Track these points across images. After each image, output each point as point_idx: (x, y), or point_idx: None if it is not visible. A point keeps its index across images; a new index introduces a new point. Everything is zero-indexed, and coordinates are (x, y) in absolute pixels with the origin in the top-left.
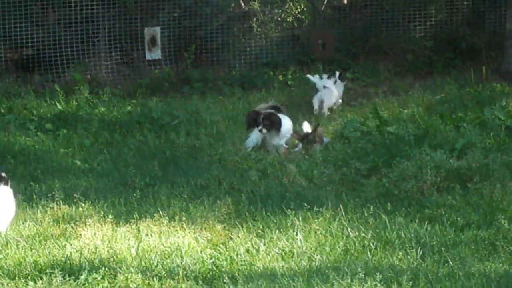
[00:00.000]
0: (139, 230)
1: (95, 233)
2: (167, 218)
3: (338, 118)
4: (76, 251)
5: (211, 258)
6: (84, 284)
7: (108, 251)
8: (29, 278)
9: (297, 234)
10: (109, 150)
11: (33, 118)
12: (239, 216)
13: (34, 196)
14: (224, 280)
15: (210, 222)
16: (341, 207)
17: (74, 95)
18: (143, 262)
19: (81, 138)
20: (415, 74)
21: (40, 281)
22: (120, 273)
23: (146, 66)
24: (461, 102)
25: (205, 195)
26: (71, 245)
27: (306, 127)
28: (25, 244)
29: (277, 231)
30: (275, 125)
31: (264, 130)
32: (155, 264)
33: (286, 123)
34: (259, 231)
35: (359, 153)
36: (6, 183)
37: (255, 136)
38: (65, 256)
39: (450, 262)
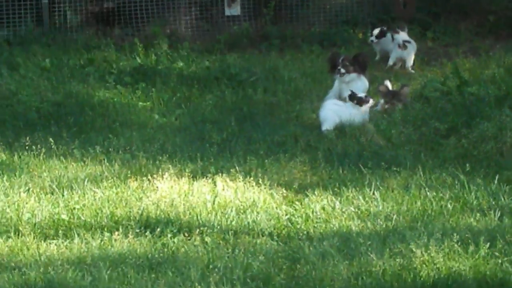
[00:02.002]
0: (215, 185)
1: (172, 186)
2: (243, 173)
3: (418, 77)
4: (153, 204)
5: (286, 215)
6: (160, 237)
7: (184, 205)
8: (105, 229)
9: (374, 193)
10: (187, 105)
11: (112, 71)
12: (315, 173)
13: (112, 148)
14: (299, 237)
15: (286, 179)
16: (419, 167)
17: (153, 49)
18: (218, 217)
19: (160, 92)
20: (497, 35)
21: (116, 233)
22: (196, 227)
23: (225, 22)
24: None
25: (281, 152)
26: (148, 198)
27: (388, 85)
28: (102, 195)
29: (353, 189)
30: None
31: (343, 70)
32: (231, 219)
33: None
34: (335, 189)
35: (438, 113)
36: None
37: (333, 94)
38: (142, 208)
39: None
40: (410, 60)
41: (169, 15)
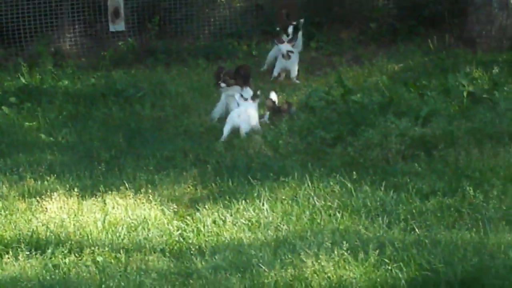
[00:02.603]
0: (105, 203)
1: (61, 206)
2: (133, 190)
3: (302, 87)
4: (42, 225)
5: (178, 230)
6: (50, 258)
7: (74, 225)
8: None
9: (263, 205)
10: (74, 123)
11: None
12: (205, 187)
13: None
14: (191, 252)
15: (177, 194)
16: (307, 176)
17: (38, 68)
18: (109, 235)
19: (46, 111)
20: (379, 42)
21: (6, 256)
22: (86, 246)
23: (109, 38)
24: (424, 70)
25: (171, 167)
26: (37, 219)
27: (273, 97)
28: None
29: (243, 201)
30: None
31: (223, 85)
32: (122, 237)
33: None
34: (226, 202)
35: (324, 122)
36: None
37: (220, 107)
38: (31, 230)
39: (417, 230)
40: (295, 71)
41: (52, 33)
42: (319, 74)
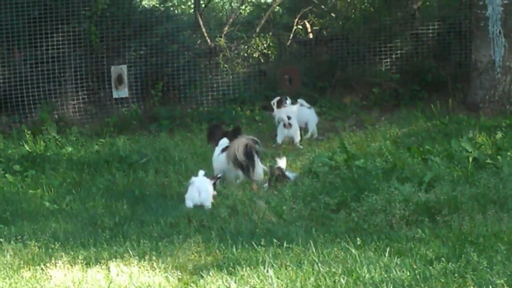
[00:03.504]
0: (109, 271)
1: (66, 274)
2: (137, 257)
3: (306, 153)
4: None
5: None
6: None
7: None
8: None
9: (267, 271)
10: (78, 190)
11: (1, 160)
12: (209, 254)
13: (3, 238)
14: None
15: (181, 260)
16: (311, 242)
17: (42, 135)
18: None
19: (50, 178)
20: (382, 107)
21: None
22: None
23: (113, 105)
24: (428, 135)
25: (175, 234)
26: (41, 287)
27: (282, 163)
28: None
29: (247, 268)
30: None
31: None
32: None
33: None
34: (230, 268)
35: (327, 188)
36: None
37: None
38: None
39: None
40: (297, 136)
41: (56, 100)
42: (322, 139)
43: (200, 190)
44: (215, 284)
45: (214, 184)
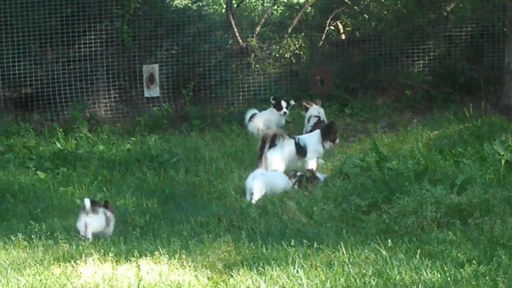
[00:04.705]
0: (139, 268)
1: (96, 271)
2: (167, 256)
3: (337, 154)
4: None
5: None
6: None
7: None
8: None
9: (297, 271)
10: (109, 188)
11: (32, 157)
12: (239, 253)
13: (34, 235)
14: None
15: (210, 259)
16: (342, 243)
17: (73, 133)
18: None
19: (81, 176)
20: (414, 109)
21: None
22: None
23: (144, 104)
24: (460, 137)
25: (205, 233)
26: (71, 283)
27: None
28: (26, 283)
29: (277, 268)
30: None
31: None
32: None
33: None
34: (260, 268)
35: (358, 189)
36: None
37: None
38: None
39: None
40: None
41: (88, 98)
42: (353, 141)
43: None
44: (245, 283)
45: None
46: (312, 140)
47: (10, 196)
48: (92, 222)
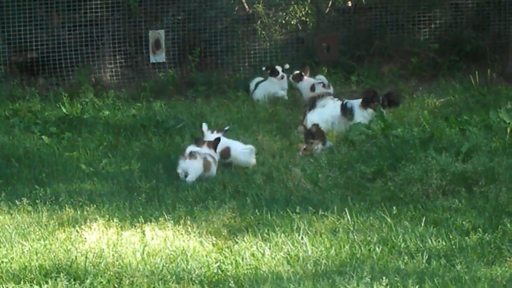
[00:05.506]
0: (144, 234)
1: (100, 237)
2: (172, 221)
3: None
4: (82, 255)
5: (216, 262)
6: None
7: (113, 255)
8: (34, 282)
9: (302, 238)
10: (114, 154)
11: (38, 122)
12: (244, 220)
13: (39, 200)
14: (230, 284)
15: (215, 225)
16: (347, 210)
17: (79, 98)
18: (148, 266)
19: (86, 141)
20: (420, 77)
21: (46, 285)
22: (125, 277)
23: (150, 69)
24: (466, 105)
25: (210, 199)
26: (76, 249)
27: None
28: (30, 248)
29: (282, 235)
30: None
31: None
32: (161, 268)
33: None
34: (265, 235)
35: (364, 157)
36: None
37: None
38: (71, 260)
39: (456, 266)
40: None
41: (93, 63)
42: None
43: None
44: (250, 250)
45: None
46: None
47: (15, 160)
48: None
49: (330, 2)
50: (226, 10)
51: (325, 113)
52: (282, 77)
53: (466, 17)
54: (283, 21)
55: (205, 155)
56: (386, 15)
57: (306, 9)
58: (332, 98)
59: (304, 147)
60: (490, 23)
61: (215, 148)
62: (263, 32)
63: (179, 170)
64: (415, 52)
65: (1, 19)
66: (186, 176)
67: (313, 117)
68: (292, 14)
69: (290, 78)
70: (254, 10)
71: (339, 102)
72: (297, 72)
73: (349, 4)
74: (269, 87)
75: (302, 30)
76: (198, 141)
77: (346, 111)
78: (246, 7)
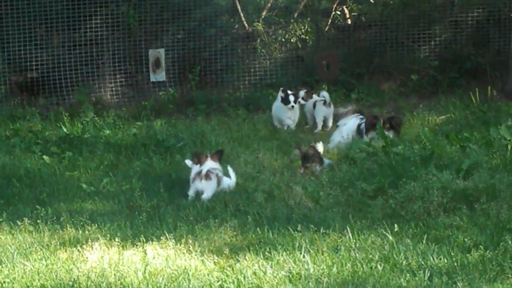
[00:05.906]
0: (145, 253)
1: (102, 256)
2: (173, 240)
3: None
4: (83, 275)
5: (218, 281)
6: None
7: (115, 275)
8: None
9: (304, 256)
10: (115, 173)
11: (38, 141)
12: (245, 238)
13: (40, 220)
14: None
15: (217, 244)
16: (348, 228)
17: (79, 118)
18: (150, 286)
19: (87, 160)
20: (420, 94)
21: None
22: None
23: (150, 88)
24: (466, 122)
25: (211, 218)
26: (78, 268)
27: (320, 147)
28: (32, 268)
29: (284, 253)
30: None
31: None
32: (162, 287)
33: None
34: (266, 253)
35: (365, 174)
36: None
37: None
38: (72, 280)
39: (458, 284)
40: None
41: (94, 82)
42: None
43: None
44: (251, 268)
45: None
46: None
47: (16, 180)
48: (207, 187)
49: (330, 20)
50: (225, 28)
51: (344, 131)
52: (292, 107)
53: (466, 34)
54: (283, 39)
55: (216, 170)
56: (385, 33)
57: (306, 27)
58: (357, 115)
59: (301, 171)
60: (490, 40)
61: (219, 160)
62: (263, 50)
63: (192, 191)
64: (415, 70)
65: (1, 39)
66: (200, 194)
67: (335, 137)
68: (292, 32)
69: (300, 99)
70: (254, 28)
71: (358, 121)
72: (305, 90)
73: (349, 21)
74: (279, 112)
75: (302, 48)
76: (199, 156)
77: (360, 132)
78: (246, 25)
